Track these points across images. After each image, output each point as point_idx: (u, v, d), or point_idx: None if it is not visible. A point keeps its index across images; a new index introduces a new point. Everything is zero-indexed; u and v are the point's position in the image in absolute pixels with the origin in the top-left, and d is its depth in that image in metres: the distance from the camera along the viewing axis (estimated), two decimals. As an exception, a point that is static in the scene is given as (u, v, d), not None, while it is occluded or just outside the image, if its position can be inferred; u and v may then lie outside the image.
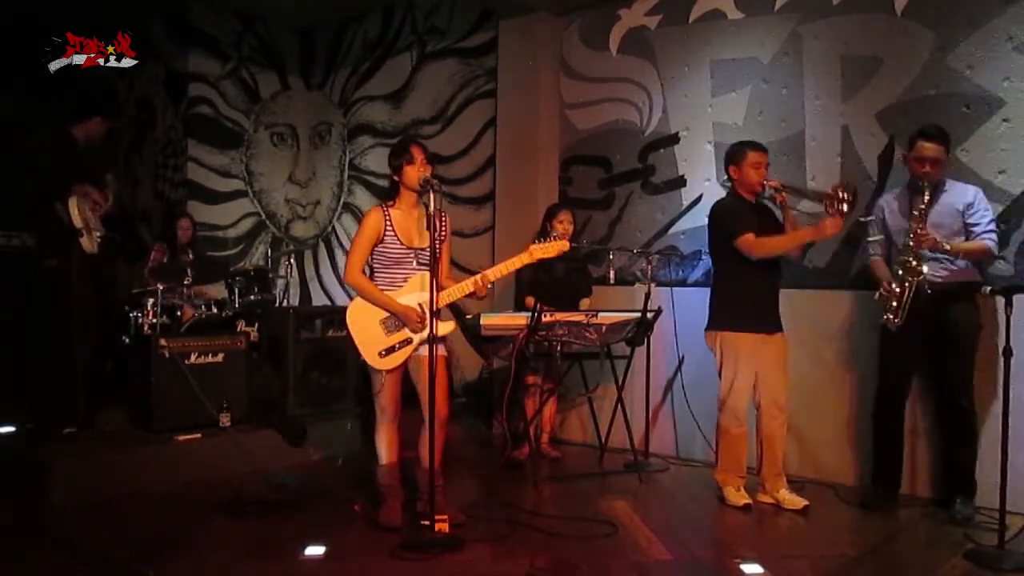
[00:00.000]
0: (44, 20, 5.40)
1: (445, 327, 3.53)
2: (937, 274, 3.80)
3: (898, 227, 3.95)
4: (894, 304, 3.79)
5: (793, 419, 4.19)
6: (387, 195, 3.65)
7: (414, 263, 3.53)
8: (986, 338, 3.89)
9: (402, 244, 3.52)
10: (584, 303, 5.06)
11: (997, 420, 3.33)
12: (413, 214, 3.57)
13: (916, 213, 3.75)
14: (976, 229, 3.82)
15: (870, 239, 4.11)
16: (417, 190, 3.51)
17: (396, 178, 3.57)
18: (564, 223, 4.87)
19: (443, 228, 3.57)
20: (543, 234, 4.87)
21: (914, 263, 3.73)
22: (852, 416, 4.47)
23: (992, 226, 3.85)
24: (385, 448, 3.61)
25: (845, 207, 3.63)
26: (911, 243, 3.74)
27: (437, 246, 3.35)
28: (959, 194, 3.87)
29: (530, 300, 4.76)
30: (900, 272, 3.78)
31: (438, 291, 3.32)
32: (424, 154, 3.52)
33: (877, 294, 3.89)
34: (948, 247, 3.73)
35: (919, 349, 3.94)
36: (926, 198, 3.73)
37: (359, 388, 5.11)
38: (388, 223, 3.52)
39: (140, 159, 7.66)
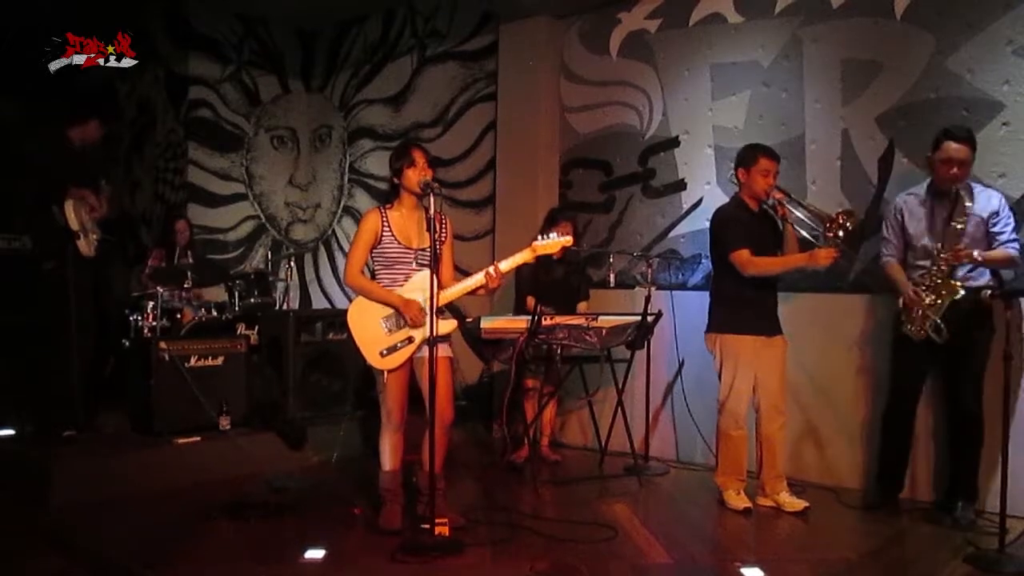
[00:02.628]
0: (44, 20, 5.40)
1: (446, 326, 3.53)
2: (965, 284, 3.71)
3: (919, 234, 3.88)
4: (920, 314, 3.74)
5: (793, 422, 4.19)
6: (386, 197, 3.66)
7: (414, 264, 3.53)
8: (998, 343, 3.84)
9: (400, 244, 3.52)
10: (582, 306, 5.06)
11: (997, 426, 3.33)
12: (413, 216, 3.57)
13: (953, 227, 3.67)
14: (1001, 238, 3.75)
15: (884, 238, 4.04)
16: (418, 193, 3.51)
17: (396, 180, 3.58)
18: (566, 232, 4.80)
19: (443, 230, 3.57)
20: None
21: (953, 282, 3.66)
22: (852, 419, 4.47)
23: (1015, 234, 3.78)
24: (388, 455, 3.60)
25: (842, 233, 3.63)
26: (946, 259, 3.67)
27: (438, 247, 3.37)
28: (984, 202, 3.79)
29: (531, 301, 4.77)
30: (934, 285, 3.71)
31: (443, 289, 3.32)
32: (425, 157, 3.53)
33: (901, 302, 3.84)
34: (981, 259, 3.68)
35: (931, 354, 3.87)
36: (965, 212, 3.65)
37: (359, 391, 5.10)
38: (385, 224, 3.53)
39: (140, 162, 7.66)
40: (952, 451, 3.99)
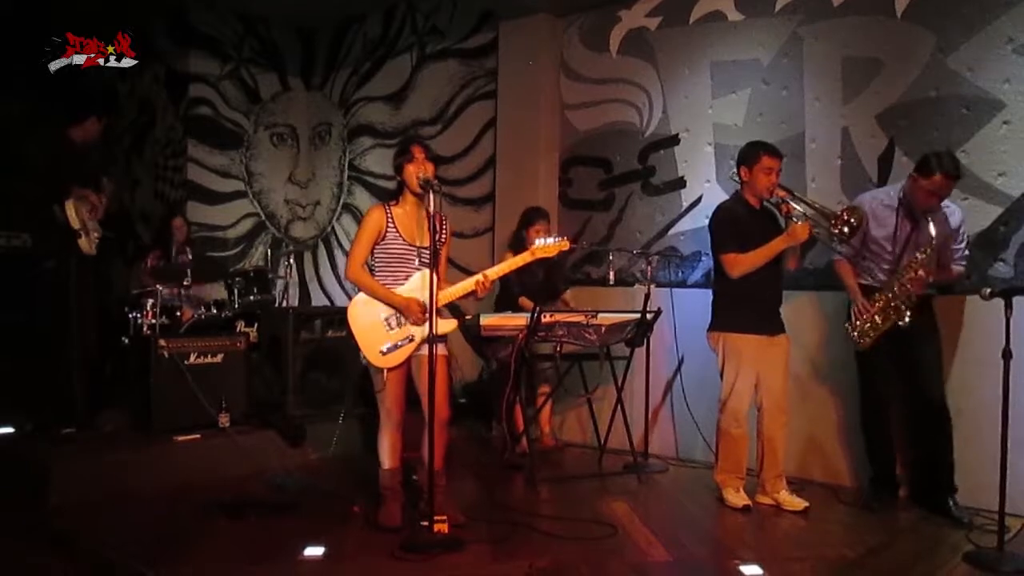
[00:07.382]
0: (44, 20, 5.40)
1: (446, 326, 3.54)
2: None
3: (882, 239, 3.93)
4: (867, 327, 3.83)
5: (792, 420, 4.18)
6: (392, 195, 3.66)
7: (416, 261, 3.53)
8: (949, 340, 4.05)
9: (404, 241, 3.52)
10: (568, 295, 5.17)
11: (996, 424, 3.32)
12: (417, 214, 3.57)
13: (922, 254, 3.72)
14: (956, 255, 3.88)
15: None
16: (417, 191, 3.51)
17: (399, 177, 3.58)
18: (540, 233, 4.70)
19: (443, 230, 3.57)
20: (517, 241, 4.88)
21: (903, 308, 3.75)
22: (851, 417, 4.46)
23: (967, 251, 3.95)
24: (388, 453, 3.60)
25: (847, 229, 3.66)
26: (909, 285, 3.73)
27: (438, 247, 3.36)
28: (950, 219, 3.87)
29: (525, 301, 4.77)
30: (888, 308, 3.78)
31: (440, 290, 3.34)
32: (424, 153, 3.52)
33: (853, 314, 3.90)
34: (932, 280, 3.78)
35: (893, 355, 3.94)
36: (932, 239, 3.69)
37: (359, 389, 5.10)
38: (390, 220, 3.53)
39: (140, 160, 7.66)
40: (928, 444, 3.99)
